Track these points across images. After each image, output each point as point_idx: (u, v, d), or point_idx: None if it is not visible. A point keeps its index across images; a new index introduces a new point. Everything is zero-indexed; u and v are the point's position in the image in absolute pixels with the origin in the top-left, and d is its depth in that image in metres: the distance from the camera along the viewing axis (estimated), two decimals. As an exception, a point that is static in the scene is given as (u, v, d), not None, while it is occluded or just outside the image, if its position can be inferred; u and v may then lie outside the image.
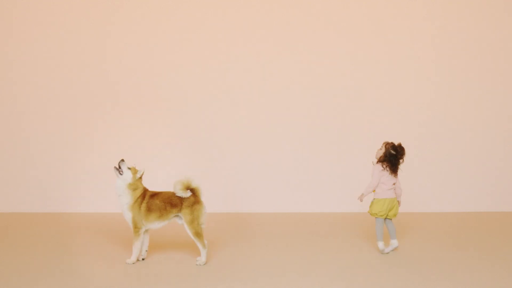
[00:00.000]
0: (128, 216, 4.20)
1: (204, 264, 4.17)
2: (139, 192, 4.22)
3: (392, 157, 4.47)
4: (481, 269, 4.06)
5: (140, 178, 4.26)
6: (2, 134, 6.46)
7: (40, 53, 6.43)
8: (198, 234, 4.16)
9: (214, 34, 6.40)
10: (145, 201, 4.20)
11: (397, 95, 6.45)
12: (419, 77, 6.45)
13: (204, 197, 4.29)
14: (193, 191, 4.24)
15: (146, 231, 4.32)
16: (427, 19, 6.42)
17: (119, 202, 4.23)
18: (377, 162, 4.54)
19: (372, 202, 4.56)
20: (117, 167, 4.20)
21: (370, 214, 4.56)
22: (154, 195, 4.26)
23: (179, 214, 4.21)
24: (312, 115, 6.46)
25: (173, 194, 4.23)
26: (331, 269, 4.07)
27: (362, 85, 6.44)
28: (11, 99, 6.46)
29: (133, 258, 4.20)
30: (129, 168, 4.21)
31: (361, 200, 4.59)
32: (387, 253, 4.50)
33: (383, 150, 4.51)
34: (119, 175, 4.20)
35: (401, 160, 4.50)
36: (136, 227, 4.18)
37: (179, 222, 4.29)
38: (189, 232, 4.17)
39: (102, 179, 6.33)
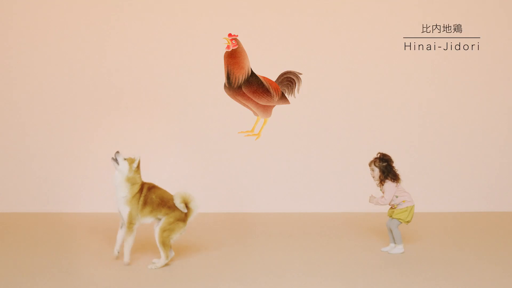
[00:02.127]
0: (125, 210, 4.12)
1: (156, 268, 4.05)
2: (137, 187, 4.16)
3: (388, 167, 4.48)
4: (481, 269, 4.06)
5: (138, 170, 4.18)
6: (2, 134, 6.46)
7: (41, 54, 6.43)
8: (164, 244, 4.07)
9: (217, 36, 6.39)
10: (143, 195, 4.14)
11: (397, 95, 6.45)
12: (418, 77, 6.45)
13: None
14: (188, 209, 4.17)
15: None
16: (425, 20, 6.41)
17: (116, 197, 4.16)
18: (380, 183, 4.52)
19: (404, 211, 4.50)
20: (114, 158, 4.15)
21: (408, 222, 4.51)
22: (152, 188, 4.20)
23: (163, 217, 4.13)
24: (312, 115, 6.46)
25: (172, 198, 4.19)
26: (331, 269, 4.07)
27: (361, 85, 6.44)
28: (11, 99, 6.46)
29: (127, 258, 4.12)
30: (125, 159, 4.15)
31: (370, 201, 4.56)
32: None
33: (376, 169, 4.51)
34: (116, 166, 4.14)
35: (394, 165, 4.52)
36: (131, 223, 4.11)
37: (154, 228, 4.20)
38: (156, 238, 4.08)
39: (102, 179, 6.32)
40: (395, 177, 4.50)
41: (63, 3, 6.42)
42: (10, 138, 6.46)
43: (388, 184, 4.49)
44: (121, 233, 4.22)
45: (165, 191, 4.24)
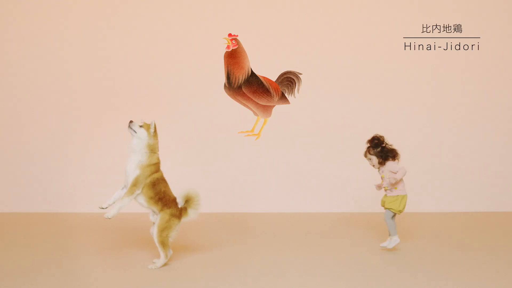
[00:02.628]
0: (134, 173, 4.03)
1: (156, 268, 4.05)
2: (155, 159, 4.13)
3: (383, 150, 4.40)
4: (481, 269, 4.06)
5: (156, 136, 4.14)
6: (2, 133, 6.46)
7: (39, 54, 6.43)
8: (163, 244, 4.06)
9: (217, 36, 6.39)
10: (156, 176, 4.10)
11: (397, 95, 6.45)
12: (418, 77, 6.45)
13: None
14: (185, 210, 4.18)
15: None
16: (425, 20, 6.41)
17: (129, 159, 4.07)
18: (380, 164, 4.44)
19: (395, 199, 4.44)
20: (130, 127, 4.12)
21: (400, 211, 4.45)
22: (164, 180, 4.18)
23: (159, 213, 4.12)
24: (312, 115, 6.46)
25: (173, 198, 4.19)
26: (331, 269, 4.07)
27: (361, 85, 6.44)
28: (11, 99, 6.46)
29: (111, 214, 3.95)
30: (141, 126, 4.13)
31: (379, 188, 4.48)
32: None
33: (373, 157, 4.44)
34: (134, 134, 4.10)
35: (388, 145, 4.43)
36: (135, 185, 4.02)
37: (151, 219, 4.20)
38: (155, 238, 4.06)
39: (102, 179, 6.33)
40: (393, 155, 4.40)
41: (62, 2, 6.42)
42: (9, 138, 6.46)
43: (390, 163, 4.39)
44: (120, 193, 4.08)
45: (170, 190, 4.21)
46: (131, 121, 4.16)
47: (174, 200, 4.19)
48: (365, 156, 4.49)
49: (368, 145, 4.47)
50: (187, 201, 4.20)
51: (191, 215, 4.21)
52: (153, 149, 4.14)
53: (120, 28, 6.43)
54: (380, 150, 4.42)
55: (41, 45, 6.44)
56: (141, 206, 4.17)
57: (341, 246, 4.77)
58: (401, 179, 4.44)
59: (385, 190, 4.52)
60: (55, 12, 6.42)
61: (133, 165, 4.06)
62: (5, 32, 6.44)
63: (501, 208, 6.43)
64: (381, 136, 4.48)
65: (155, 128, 4.16)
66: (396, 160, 4.42)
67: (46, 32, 6.43)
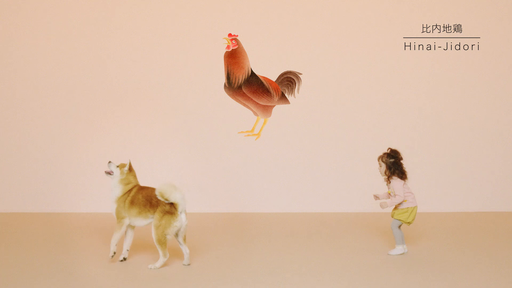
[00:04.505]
0: (113, 207, 4.25)
1: (156, 268, 4.07)
2: (130, 187, 4.27)
3: (395, 164, 4.46)
4: (482, 269, 4.06)
5: (132, 172, 4.30)
6: (2, 134, 6.46)
7: (40, 54, 6.43)
8: (160, 242, 4.07)
9: (217, 36, 6.39)
10: (131, 195, 4.22)
11: (397, 95, 6.44)
12: (418, 77, 6.45)
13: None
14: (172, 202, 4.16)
15: (132, 227, 4.30)
16: (425, 20, 6.41)
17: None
18: (388, 178, 4.49)
19: (405, 211, 4.47)
20: (107, 171, 4.32)
21: (409, 223, 4.48)
22: (141, 189, 4.27)
23: (153, 214, 4.15)
24: (312, 115, 6.46)
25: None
26: (332, 269, 4.07)
27: (361, 85, 6.44)
28: (11, 99, 6.46)
29: (111, 251, 4.19)
30: (117, 166, 4.31)
31: (383, 208, 4.51)
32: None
33: (383, 165, 4.49)
34: (111, 176, 4.31)
35: (402, 162, 4.50)
36: (119, 217, 4.22)
37: None
38: (153, 236, 4.10)
39: (102, 179, 6.30)
40: (402, 175, 4.47)
41: (63, 3, 6.42)
42: (10, 138, 6.46)
43: (395, 180, 4.45)
44: (127, 236, 4.35)
45: (153, 189, 4.20)
46: (109, 162, 4.36)
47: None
48: (378, 160, 4.54)
49: (386, 152, 4.51)
50: (162, 195, 4.09)
51: (178, 203, 4.09)
52: (126, 183, 4.28)
53: (120, 28, 6.43)
54: (393, 162, 4.46)
55: (41, 46, 6.43)
56: (147, 223, 4.22)
57: (341, 246, 4.76)
58: (410, 193, 4.49)
59: (395, 207, 4.55)
60: (56, 12, 6.42)
61: (111, 202, 4.27)
62: (5, 32, 6.45)
63: (501, 208, 6.43)
64: (399, 153, 4.54)
65: (130, 166, 4.31)
66: (403, 181, 4.47)
67: (47, 34, 6.42)
